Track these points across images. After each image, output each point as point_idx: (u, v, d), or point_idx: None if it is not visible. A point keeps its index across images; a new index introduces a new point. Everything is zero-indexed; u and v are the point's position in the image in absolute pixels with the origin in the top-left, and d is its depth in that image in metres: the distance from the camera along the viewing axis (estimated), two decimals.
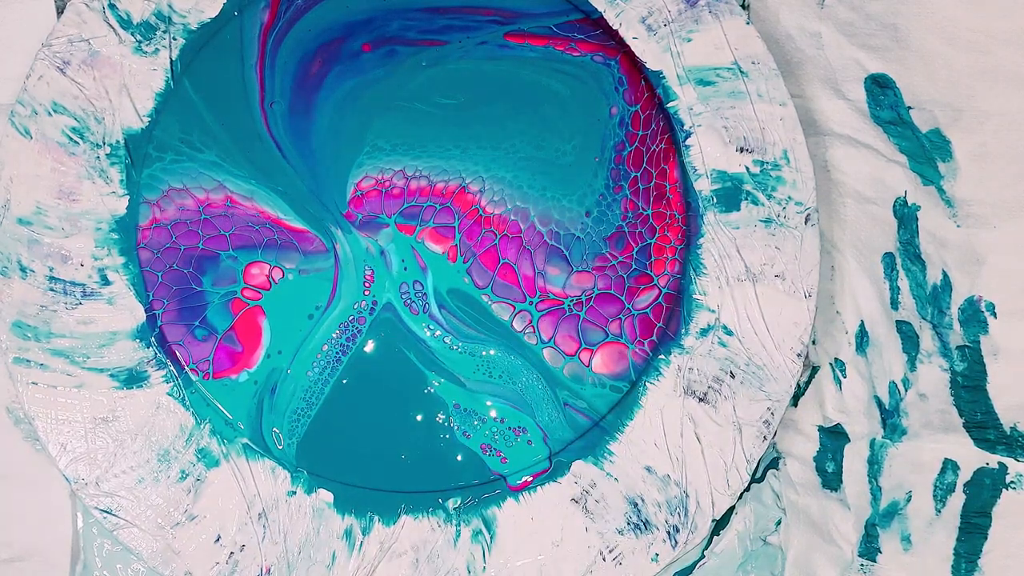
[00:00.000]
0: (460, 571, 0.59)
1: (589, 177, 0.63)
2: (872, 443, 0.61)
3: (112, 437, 0.58)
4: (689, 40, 0.61)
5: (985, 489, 0.57)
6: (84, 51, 0.58)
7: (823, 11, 0.61)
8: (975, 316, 0.58)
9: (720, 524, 0.63)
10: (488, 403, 0.61)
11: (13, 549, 0.60)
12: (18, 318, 0.57)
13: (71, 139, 0.58)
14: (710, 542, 0.63)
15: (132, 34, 0.59)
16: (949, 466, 0.59)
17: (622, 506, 0.59)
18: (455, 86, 0.63)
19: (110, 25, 0.59)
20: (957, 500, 0.58)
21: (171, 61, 0.59)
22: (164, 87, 0.60)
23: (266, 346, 0.61)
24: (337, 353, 0.61)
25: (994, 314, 0.57)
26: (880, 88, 0.60)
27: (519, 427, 0.61)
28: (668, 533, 0.59)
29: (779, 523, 0.64)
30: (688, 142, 0.61)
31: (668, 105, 0.61)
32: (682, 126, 0.61)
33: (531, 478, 0.61)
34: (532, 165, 0.63)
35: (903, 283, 0.60)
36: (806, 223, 0.60)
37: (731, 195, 0.61)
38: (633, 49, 0.61)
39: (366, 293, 0.62)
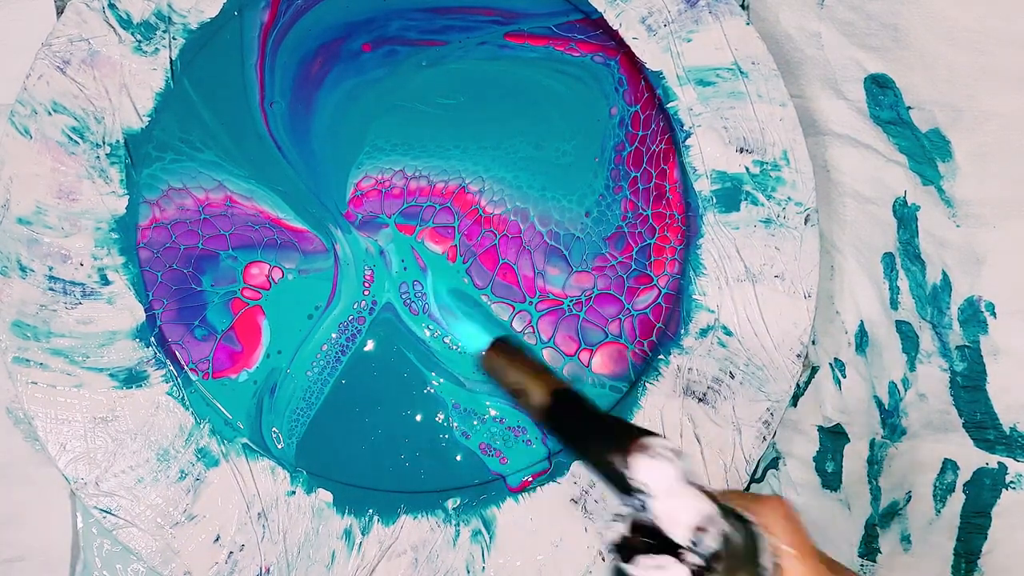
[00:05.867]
0: (459, 571, 0.59)
1: (589, 177, 0.63)
2: (872, 443, 0.61)
3: (111, 437, 0.57)
4: (689, 40, 0.61)
5: (985, 489, 0.57)
6: (84, 51, 0.58)
7: (823, 11, 0.61)
8: (975, 316, 0.57)
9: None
10: (487, 403, 0.61)
11: (14, 549, 0.60)
12: (18, 317, 0.57)
13: (71, 139, 0.58)
14: None
15: (132, 34, 0.59)
16: (949, 466, 0.58)
17: None
18: (455, 86, 0.63)
19: (110, 25, 0.59)
20: (957, 500, 0.58)
21: (171, 61, 0.59)
22: (164, 87, 0.60)
23: (266, 346, 0.61)
24: (337, 353, 0.61)
25: (994, 314, 0.57)
26: (880, 88, 0.60)
27: (518, 427, 0.61)
28: None
29: None
30: (688, 142, 0.61)
31: (668, 105, 0.61)
32: (682, 126, 0.61)
33: (530, 478, 0.61)
34: (532, 165, 0.63)
35: (903, 283, 0.60)
36: (806, 223, 0.60)
37: (731, 195, 0.61)
38: (633, 49, 0.61)
39: (366, 293, 0.62)
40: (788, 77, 0.62)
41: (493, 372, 0.44)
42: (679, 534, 0.39)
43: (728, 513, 0.41)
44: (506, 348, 0.44)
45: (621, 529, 0.40)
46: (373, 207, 0.62)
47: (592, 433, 0.40)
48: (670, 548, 0.39)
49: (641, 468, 0.38)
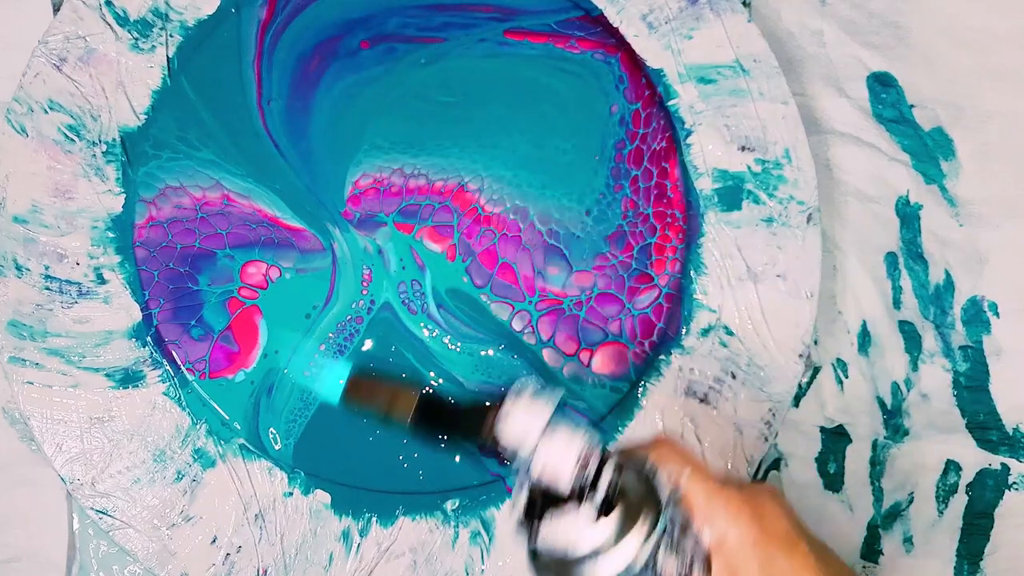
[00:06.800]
0: (458, 573, 0.58)
1: (589, 175, 0.63)
2: (874, 444, 0.61)
3: (108, 437, 0.57)
4: (690, 38, 0.60)
5: (988, 490, 0.57)
6: (81, 48, 0.58)
7: (825, 9, 0.61)
8: (977, 316, 0.57)
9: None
10: (487, 404, 0.61)
11: (10, 550, 0.60)
12: (14, 317, 0.57)
13: (67, 137, 0.58)
14: None
15: (129, 31, 0.58)
16: (951, 467, 0.58)
17: None
18: (454, 84, 0.62)
19: (107, 22, 0.58)
20: (959, 501, 0.58)
21: (168, 58, 0.59)
22: (161, 84, 0.59)
23: (263, 346, 0.60)
24: (335, 353, 0.61)
25: (996, 314, 0.57)
26: (882, 86, 0.60)
27: None
28: None
29: None
30: (689, 140, 0.61)
31: (669, 103, 0.61)
32: (683, 124, 0.61)
33: None
34: (532, 163, 0.62)
35: (905, 283, 0.60)
36: (808, 222, 0.60)
37: (732, 194, 0.60)
38: (634, 47, 0.61)
39: (364, 292, 0.61)
40: (790, 75, 0.61)
41: (360, 406, 0.47)
42: (564, 481, 0.40)
43: (619, 466, 0.42)
44: (360, 380, 0.47)
45: (522, 502, 0.42)
46: (371, 206, 0.62)
47: (457, 427, 0.42)
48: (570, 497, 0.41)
49: (504, 434, 0.40)
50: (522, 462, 0.40)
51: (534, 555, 0.43)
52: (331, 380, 0.48)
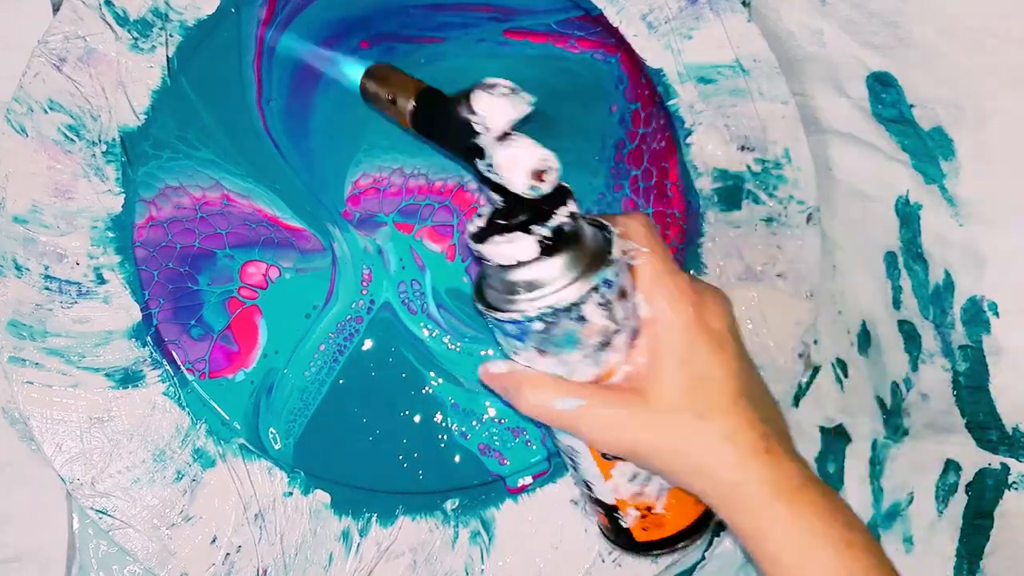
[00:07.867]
0: (458, 573, 0.58)
1: (589, 175, 0.63)
2: (874, 444, 0.61)
3: (108, 437, 0.57)
4: (690, 37, 0.60)
5: (987, 490, 0.57)
6: (80, 48, 0.58)
7: (825, 8, 0.60)
8: (977, 316, 0.57)
9: (721, 526, 0.62)
10: (487, 403, 0.61)
11: (9, 550, 0.60)
12: (14, 317, 0.57)
13: (67, 137, 0.58)
14: (710, 544, 0.62)
15: (129, 31, 0.58)
16: (951, 467, 0.58)
17: None
18: (454, 83, 0.62)
19: (106, 22, 0.58)
20: (959, 501, 0.58)
21: (168, 58, 0.59)
22: (161, 84, 0.59)
23: (263, 346, 0.60)
24: (334, 353, 0.61)
25: (996, 314, 0.57)
26: (882, 86, 0.59)
27: (518, 427, 0.61)
28: None
29: None
30: (689, 140, 0.61)
31: (669, 103, 0.61)
32: (683, 124, 0.61)
33: (530, 479, 0.60)
34: None
35: (905, 282, 0.60)
36: (807, 222, 0.60)
37: (732, 194, 0.60)
38: (633, 46, 0.61)
39: (364, 292, 0.61)
40: (789, 74, 0.61)
41: (372, 98, 0.48)
42: (518, 182, 0.40)
43: (582, 215, 0.43)
44: (378, 71, 0.48)
45: (480, 222, 0.43)
46: (371, 205, 0.62)
47: (446, 107, 0.42)
48: (523, 227, 0.41)
49: (480, 101, 0.41)
50: (487, 157, 0.41)
51: (479, 282, 0.45)
52: (352, 69, 0.51)
